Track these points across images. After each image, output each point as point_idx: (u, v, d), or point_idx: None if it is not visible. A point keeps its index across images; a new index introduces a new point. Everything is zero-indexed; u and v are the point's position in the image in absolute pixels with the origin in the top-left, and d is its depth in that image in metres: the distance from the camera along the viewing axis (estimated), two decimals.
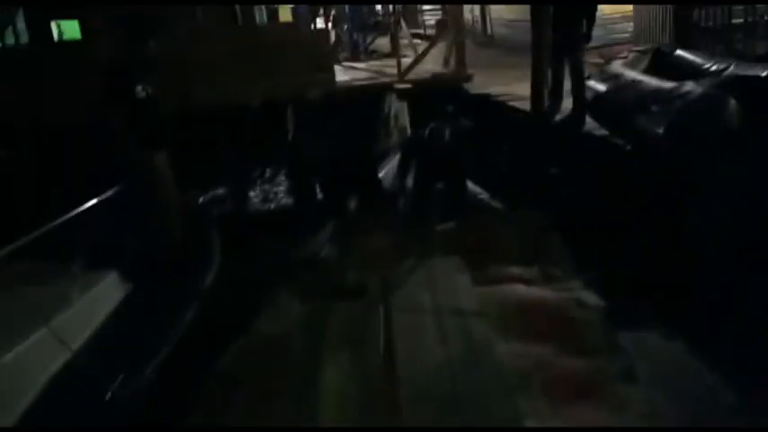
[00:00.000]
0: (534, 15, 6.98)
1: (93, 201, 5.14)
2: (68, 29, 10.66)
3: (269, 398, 3.45)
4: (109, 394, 4.04)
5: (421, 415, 2.98)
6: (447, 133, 6.29)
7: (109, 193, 5.38)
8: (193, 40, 8.87)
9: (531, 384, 3.15)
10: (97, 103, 6.16)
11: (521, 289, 4.08)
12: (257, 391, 3.58)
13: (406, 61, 9.36)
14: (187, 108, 7.99)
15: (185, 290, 5.36)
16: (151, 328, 4.80)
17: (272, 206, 9.19)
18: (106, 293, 4.87)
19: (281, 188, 9.58)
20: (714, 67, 6.44)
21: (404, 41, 11.32)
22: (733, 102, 5.13)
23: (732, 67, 6.16)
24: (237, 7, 11.95)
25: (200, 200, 8.09)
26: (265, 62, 8.63)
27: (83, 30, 9.51)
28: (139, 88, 5.89)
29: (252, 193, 9.42)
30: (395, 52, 9.83)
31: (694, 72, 6.46)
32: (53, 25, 10.42)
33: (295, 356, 3.73)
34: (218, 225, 7.24)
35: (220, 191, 8.81)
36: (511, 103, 7.69)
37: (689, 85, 5.64)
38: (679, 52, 7.25)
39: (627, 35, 10.04)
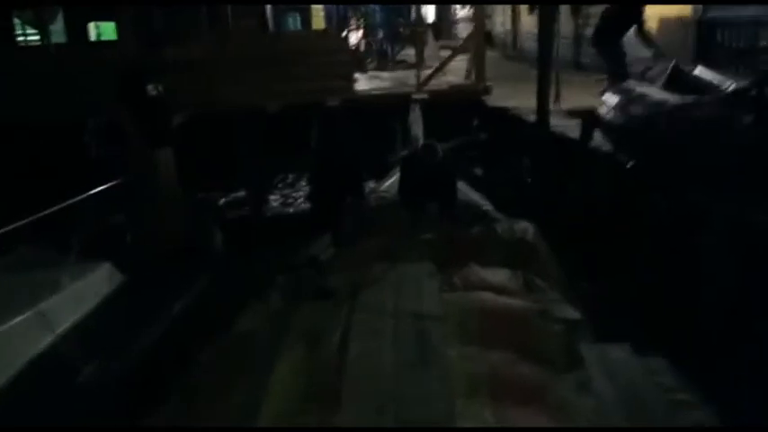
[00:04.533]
0: (542, 28, 6.96)
1: (93, 191, 5.32)
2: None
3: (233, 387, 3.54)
4: (84, 376, 4.19)
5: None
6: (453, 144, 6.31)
7: (109, 184, 5.54)
8: (220, 44, 9.06)
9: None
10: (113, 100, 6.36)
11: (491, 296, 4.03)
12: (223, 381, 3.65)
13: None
14: (208, 109, 8.18)
15: (178, 284, 5.50)
16: (139, 317, 4.95)
17: (289, 210, 9.32)
18: (98, 282, 4.99)
19: (298, 193, 9.71)
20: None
21: (431, 53, 11.41)
22: None
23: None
24: (270, 13, 12.23)
25: (210, 199, 8.23)
26: (289, 67, 8.76)
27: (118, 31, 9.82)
28: (150, 87, 6.09)
29: (268, 197, 9.55)
30: (418, 63, 9.87)
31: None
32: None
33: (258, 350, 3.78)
34: (226, 225, 7.42)
35: (234, 192, 8.95)
36: (524, 117, 7.64)
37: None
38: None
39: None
